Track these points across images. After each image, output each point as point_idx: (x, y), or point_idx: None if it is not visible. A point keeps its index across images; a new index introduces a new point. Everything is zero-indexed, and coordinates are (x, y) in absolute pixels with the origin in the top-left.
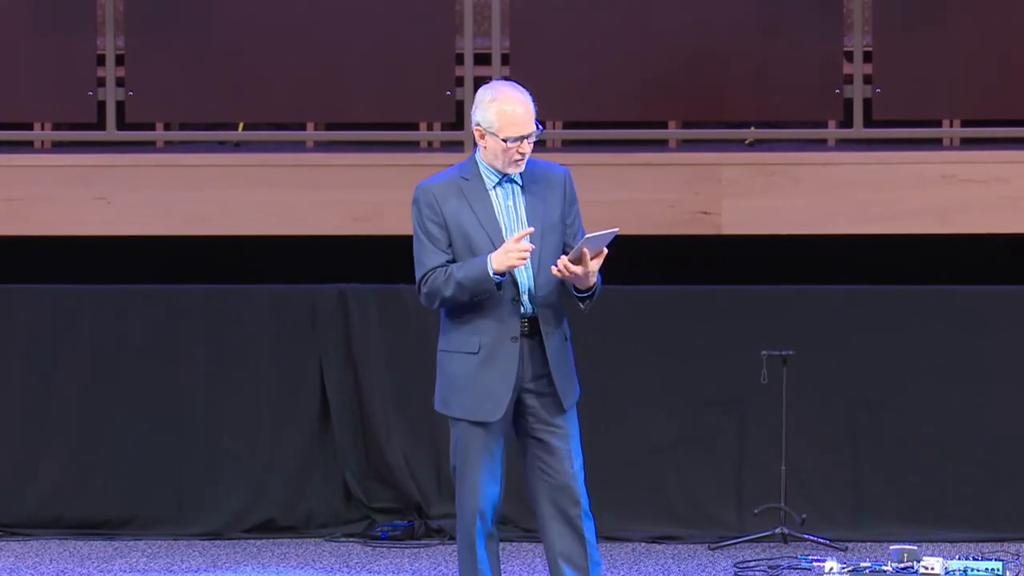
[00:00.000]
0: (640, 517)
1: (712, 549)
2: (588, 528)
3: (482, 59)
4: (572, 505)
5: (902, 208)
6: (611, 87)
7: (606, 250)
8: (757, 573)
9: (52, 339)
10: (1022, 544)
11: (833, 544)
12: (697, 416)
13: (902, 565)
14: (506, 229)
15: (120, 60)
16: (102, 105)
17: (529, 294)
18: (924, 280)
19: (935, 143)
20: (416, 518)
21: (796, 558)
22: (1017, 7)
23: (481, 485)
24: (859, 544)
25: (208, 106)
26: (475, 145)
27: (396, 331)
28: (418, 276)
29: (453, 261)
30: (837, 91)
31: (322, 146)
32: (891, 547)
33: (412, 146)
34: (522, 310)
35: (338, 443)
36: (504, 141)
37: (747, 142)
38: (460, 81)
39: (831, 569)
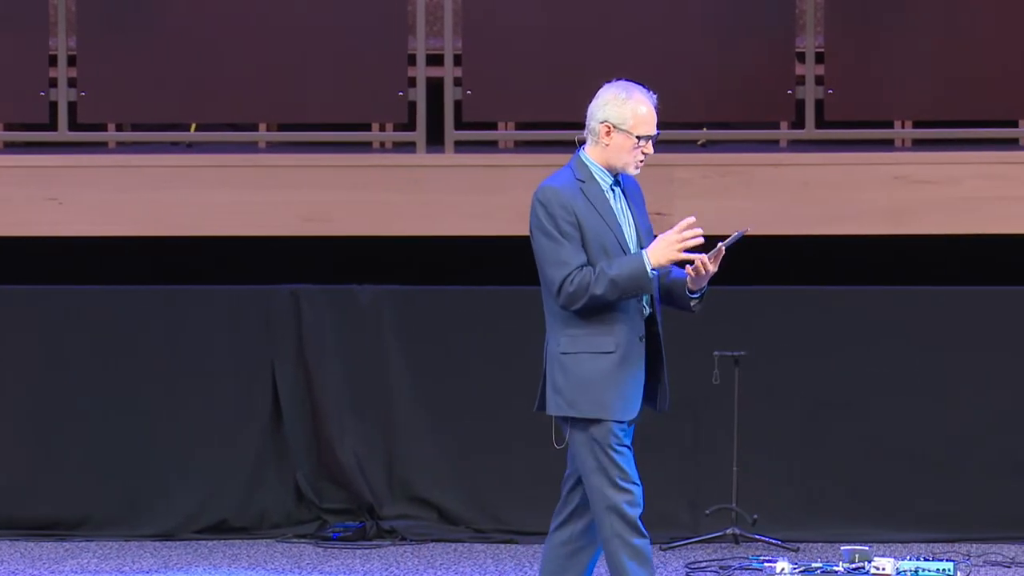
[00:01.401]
0: None
1: (664, 549)
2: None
3: (435, 60)
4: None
5: (855, 209)
6: (564, 88)
7: (724, 251)
8: (708, 573)
9: (3, 340)
10: (973, 544)
11: (784, 545)
12: (649, 415)
13: (853, 565)
14: (624, 232)
15: (72, 60)
16: (54, 105)
17: (647, 296)
18: (877, 281)
19: (887, 144)
20: (368, 519)
21: (747, 558)
22: (968, 9)
23: (629, 483)
24: (810, 544)
25: (160, 107)
26: (578, 146)
27: (348, 332)
28: (558, 276)
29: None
30: (789, 92)
31: (274, 147)
32: (842, 547)
33: (364, 147)
34: (645, 311)
35: (290, 444)
36: (638, 139)
37: (699, 143)
38: (412, 82)
39: (782, 569)
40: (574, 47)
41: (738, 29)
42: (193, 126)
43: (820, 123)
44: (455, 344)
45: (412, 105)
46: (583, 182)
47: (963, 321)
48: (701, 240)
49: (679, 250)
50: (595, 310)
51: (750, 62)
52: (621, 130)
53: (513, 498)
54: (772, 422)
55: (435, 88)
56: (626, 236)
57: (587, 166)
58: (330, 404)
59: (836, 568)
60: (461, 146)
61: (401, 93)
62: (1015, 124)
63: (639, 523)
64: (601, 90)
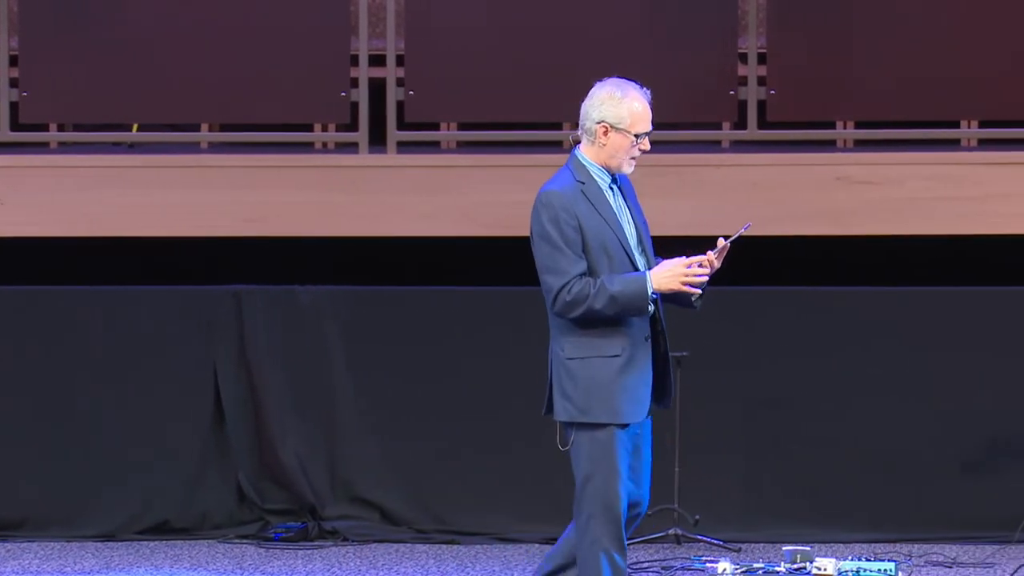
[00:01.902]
0: (535, 518)
1: None
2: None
3: (377, 60)
4: (635, 513)
5: (797, 210)
6: (506, 88)
7: (728, 247)
8: (650, 574)
9: None
10: (915, 544)
11: (726, 545)
12: None
13: (795, 566)
14: (624, 231)
15: (14, 61)
16: None
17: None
18: (819, 282)
19: (829, 145)
20: (310, 520)
21: (689, 559)
22: (909, 9)
23: (625, 492)
24: (752, 545)
25: (102, 107)
26: (573, 146)
27: (290, 332)
28: (557, 284)
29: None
30: (731, 92)
31: (216, 147)
32: (784, 548)
33: (307, 147)
34: (649, 310)
35: (232, 444)
36: (635, 137)
37: None
38: (355, 82)
39: (724, 570)
40: (516, 47)
41: (680, 29)
42: (135, 126)
43: (762, 124)
44: (397, 345)
45: (354, 106)
46: (583, 183)
47: (905, 322)
48: (706, 279)
49: (682, 284)
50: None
51: (692, 62)
52: (619, 129)
53: (455, 499)
54: (714, 423)
55: (377, 89)
56: (627, 235)
57: (585, 167)
58: (272, 405)
59: (778, 568)
60: (403, 147)
61: (343, 94)
62: (956, 125)
63: (624, 537)
64: (594, 89)
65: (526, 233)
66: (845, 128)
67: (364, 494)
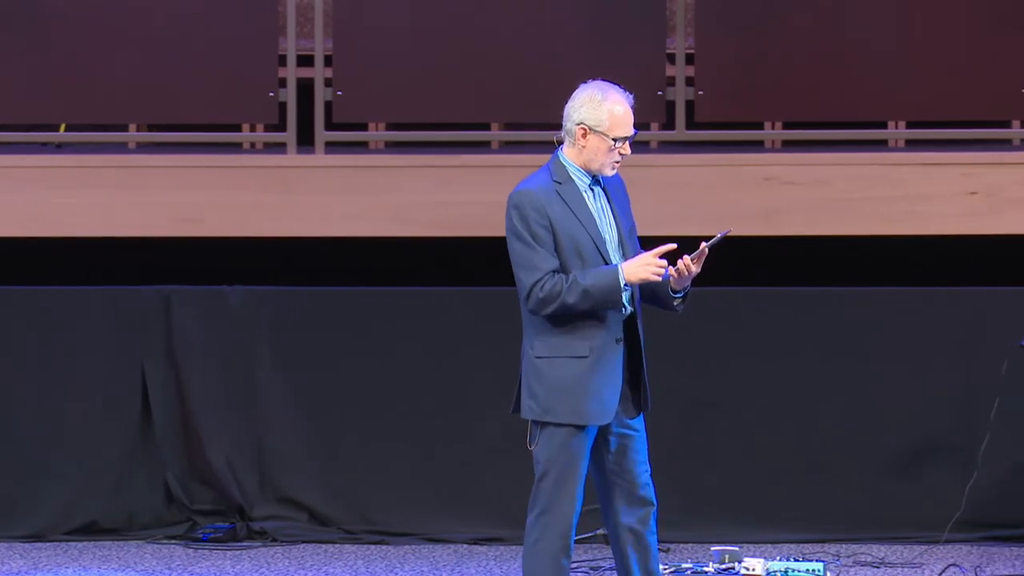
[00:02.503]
0: (463, 518)
1: None
2: (655, 532)
3: (305, 60)
4: (646, 512)
5: (726, 210)
6: (434, 89)
7: (708, 251)
8: (580, 574)
9: None
10: (843, 544)
11: None
12: (513, 417)
13: (724, 566)
14: (602, 232)
15: None
16: None
17: (627, 296)
18: (749, 282)
19: (757, 145)
20: (238, 520)
21: None
22: (837, 10)
23: (579, 494)
24: (682, 545)
25: (29, 107)
26: (557, 146)
27: (218, 333)
28: (529, 280)
29: (560, 264)
30: (659, 93)
31: (145, 147)
32: (712, 548)
33: (235, 148)
34: (626, 311)
35: (160, 445)
36: (613, 141)
37: None
38: (283, 82)
39: None
40: (444, 48)
41: (609, 30)
42: (62, 127)
43: (690, 124)
44: (326, 345)
45: (283, 106)
46: (560, 183)
47: (835, 322)
48: (673, 270)
49: (653, 274)
50: (568, 315)
51: (621, 63)
52: (597, 132)
53: (384, 499)
54: (648, 421)
55: (306, 89)
56: (605, 238)
57: (565, 167)
58: (200, 405)
59: (706, 569)
60: (332, 147)
61: (272, 94)
62: (884, 125)
63: (572, 543)
64: (577, 91)
65: (454, 233)
66: (773, 129)
67: (293, 494)
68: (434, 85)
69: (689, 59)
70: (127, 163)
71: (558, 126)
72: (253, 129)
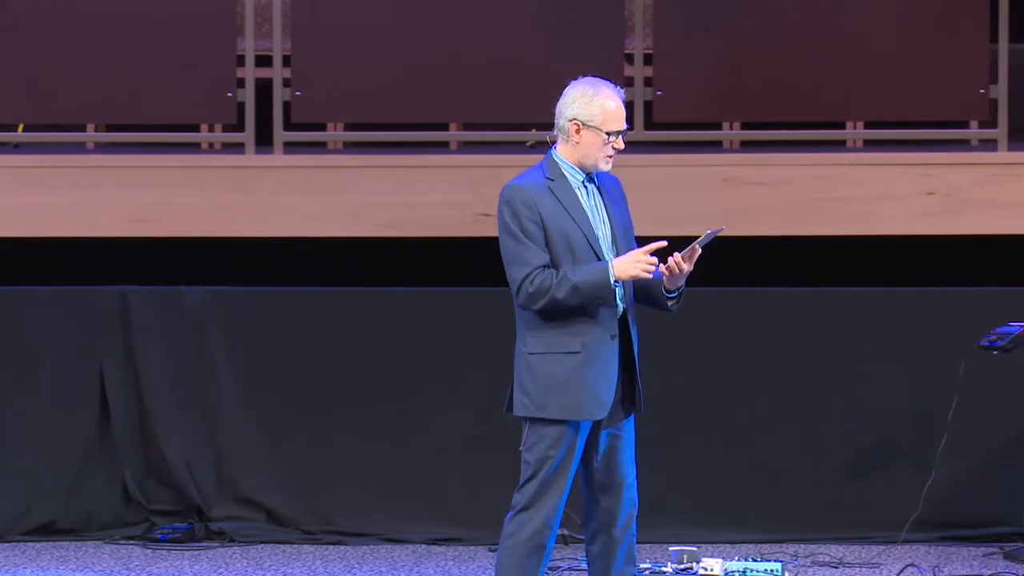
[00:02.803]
0: (422, 519)
1: (493, 551)
2: (635, 535)
3: (263, 60)
4: (628, 515)
5: (684, 210)
6: (393, 89)
7: (700, 250)
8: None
9: None
10: (801, 545)
11: None
12: (480, 418)
13: (682, 566)
14: (595, 229)
15: None
16: None
17: (620, 294)
18: (708, 282)
19: (716, 146)
20: (196, 520)
21: (576, 559)
22: (795, 11)
23: (563, 495)
24: (640, 545)
25: None
26: (551, 145)
27: (176, 333)
28: (519, 275)
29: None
30: None
31: (103, 148)
32: (671, 548)
33: (193, 148)
34: (619, 309)
35: (118, 445)
36: (607, 135)
37: (528, 144)
38: (241, 82)
39: None
40: (403, 48)
41: (567, 30)
42: (20, 127)
43: (649, 125)
44: (284, 345)
45: (241, 106)
46: (552, 180)
47: (793, 322)
48: (664, 267)
49: (643, 271)
50: (561, 310)
51: (579, 63)
52: (590, 127)
53: (342, 499)
54: None
55: (264, 89)
56: (599, 235)
57: (557, 164)
58: (158, 405)
59: (664, 569)
60: (290, 147)
61: (230, 94)
62: (842, 126)
63: (549, 543)
64: (568, 87)
65: (413, 233)
66: (731, 129)
67: (251, 495)
68: (392, 85)
69: (648, 59)
70: (85, 163)
71: (517, 126)
72: (211, 129)
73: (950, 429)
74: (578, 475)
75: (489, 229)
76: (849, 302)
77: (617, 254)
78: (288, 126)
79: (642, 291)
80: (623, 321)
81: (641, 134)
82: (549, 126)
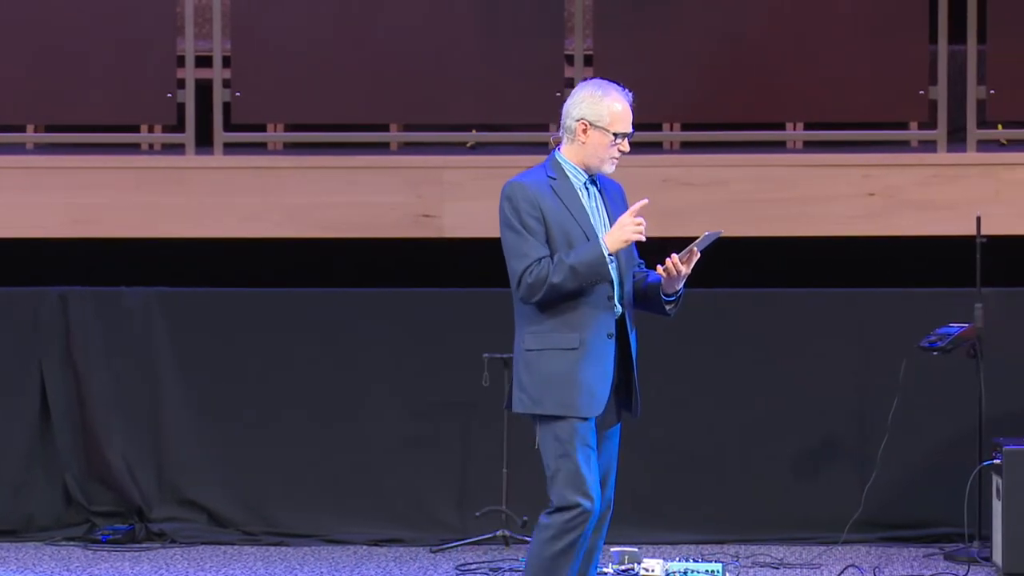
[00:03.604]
0: (362, 519)
1: (434, 552)
2: (604, 538)
3: (203, 61)
4: (601, 517)
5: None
6: (332, 90)
7: (698, 253)
8: (479, 575)
9: None
10: (742, 545)
11: None
12: (420, 419)
13: (623, 567)
14: (595, 228)
15: None
16: None
17: (619, 295)
18: None
19: (655, 147)
20: (137, 521)
21: (518, 560)
22: (734, 12)
23: (589, 483)
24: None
25: None
26: (554, 147)
27: (117, 334)
28: (519, 267)
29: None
30: (558, 94)
31: (43, 148)
32: (612, 549)
33: (134, 149)
34: (615, 309)
35: (59, 446)
36: (614, 136)
37: (469, 145)
38: (181, 83)
39: None
40: (342, 49)
41: (507, 31)
42: None
43: None
44: (224, 346)
45: (181, 107)
46: (554, 179)
47: (733, 323)
48: (662, 270)
49: (634, 231)
50: (560, 306)
51: (519, 64)
52: (598, 128)
53: (283, 500)
54: None
55: (204, 90)
56: (598, 233)
57: (561, 164)
58: (99, 406)
59: (606, 570)
60: (230, 148)
61: (170, 95)
62: (782, 127)
63: (585, 535)
64: (576, 88)
65: (353, 234)
66: (671, 130)
67: (192, 496)
68: (332, 86)
69: (588, 60)
70: (26, 164)
71: (457, 127)
72: (152, 130)
73: (891, 430)
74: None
75: (431, 230)
76: (791, 303)
77: (616, 258)
78: (228, 127)
79: (640, 296)
80: (621, 323)
81: None
82: (489, 127)
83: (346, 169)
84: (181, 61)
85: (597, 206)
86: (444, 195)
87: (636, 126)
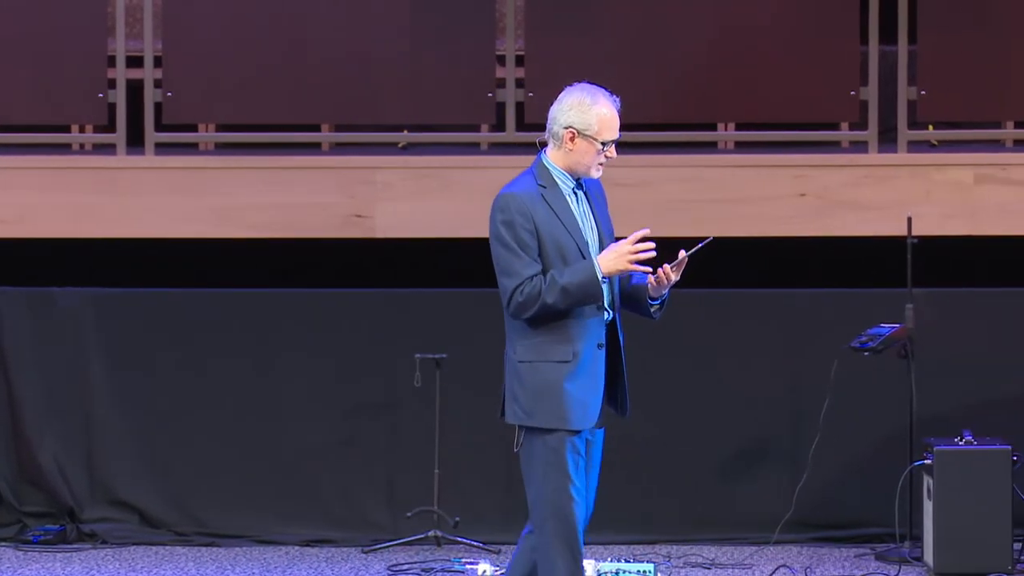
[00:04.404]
0: (294, 520)
1: (366, 552)
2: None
3: (135, 61)
4: (583, 523)
5: None
6: (264, 90)
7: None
8: (410, 575)
9: None
10: (674, 546)
11: (486, 547)
12: (352, 419)
13: None
14: (584, 236)
15: None
16: None
17: (608, 300)
18: None
19: None
20: (68, 522)
21: (450, 561)
22: (664, 13)
23: (580, 497)
24: (512, 547)
25: None
26: (540, 149)
27: (48, 334)
28: (510, 286)
29: (543, 271)
30: (490, 95)
31: None
32: None
33: (64, 148)
34: (606, 316)
35: None
36: (601, 145)
37: (400, 145)
38: (112, 83)
39: (484, 571)
40: (274, 50)
41: (438, 31)
42: None
43: (521, 126)
44: (156, 346)
45: (112, 107)
46: (544, 187)
47: (665, 323)
48: (653, 254)
49: (630, 261)
50: (552, 317)
51: (451, 65)
52: (585, 135)
53: (215, 501)
54: (473, 424)
55: (135, 90)
56: (588, 242)
57: (549, 171)
58: (30, 407)
59: None
60: (161, 148)
61: (101, 95)
62: (713, 127)
63: (580, 538)
64: (564, 93)
65: (283, 235)
66: None
67: (123, 496)
68: (264, 87)
69: (519, 61)
70: None
71: (389, 127)
72: (83, 130)
73: (822, 430)
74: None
75: (362, 230)
76: (721, 303)
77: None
78: (159, 127)
79: (627, 298)
80: (611, 327)
81: (512, 135)
82: (421, 127)
83: (277, 170)
84: (112, 61)
85: (584, 211)
86: (376, 195)
87: None
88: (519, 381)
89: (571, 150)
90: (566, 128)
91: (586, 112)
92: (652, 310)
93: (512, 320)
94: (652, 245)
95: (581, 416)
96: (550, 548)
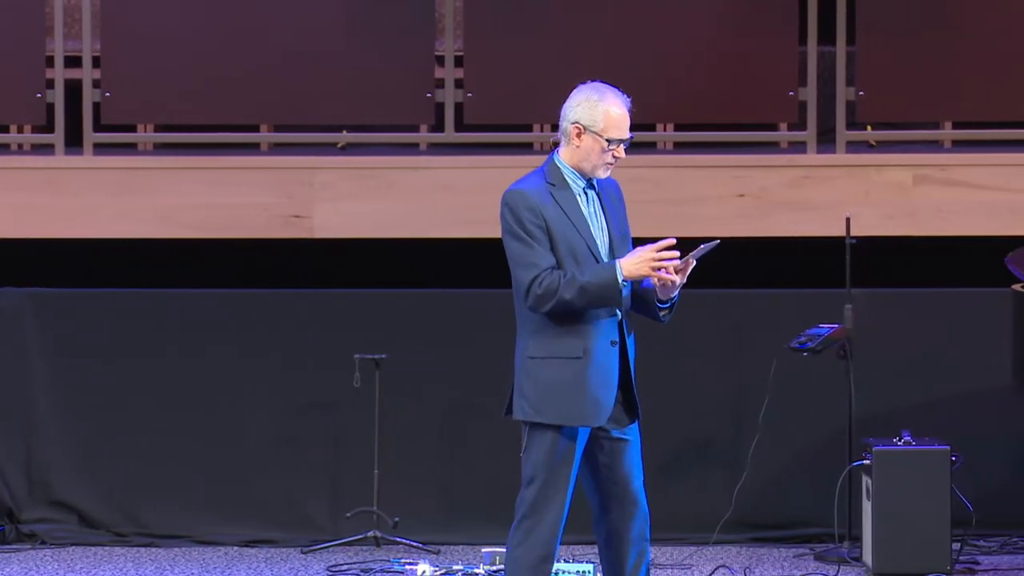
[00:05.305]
0: (233, 520)
1: (305, 553)
2: (648, 540)
3: (73, 61)
4: (641, 520)
5: (494, 213)
6: (203, 90)
7: (694, 262)
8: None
9: None
10: None
11: (426, 547)
12: (291, 419)
13: (494, 568)
14: (594, 236)
15: None
16: None
17: (627, 293)
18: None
19: (527, 148)
20: (7, 522)
21: (389, 561)
22: (602, 13)
23: (566, 501)
24: (451, 547)
25: None
26: (553, 148)
27: None
28: (527, 277)
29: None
30: (429, 95)
31: None
32: (483, 550)
33: (2, 149)
34: (617, 315)
35: None
36: (608, 142)
37: (340, 146)
38: (51, 83)
39: (424, 572)
40: (212, 49)
41: (378, 31)
42: None
43: (460, 126)
44: (95, 346)
45: (50, 107)
46: (553, 185)
47: None
48: (678, 263)
49: (653, 268)
50: (564, 314)
51: (390, 65)
52: (591, 132)
53: (154, 502)
54: (413, 424)
55: (74, 90)
56: (597, 241)
57: (559, 169)
58: None
59: (477, 570)
60: (100, 148)
61: (39, 95)
62: (652, 128)
63: (555, 551)
64: (575, 91)
65: (222, 235)
66: (542, 131)
67: (62, 497)
68: (202, 87)
69: (459, 61)
70: None
71: (328, 128)
72: (20, 130)
73: (762, 430)
74: (585, 482)
75: (301, 231)
76: None
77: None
78: (98, 127)
79: (637, 300)
80: (621, 327)
81: (451, 136)
82: (360, 127)
83: (216, 170)
84: (50, 61)
85: (595, 211)
86: (315, 196)
87: (508, 127)
88: (529, 377)
89: (578, 147)
90: (573, 123)
91: (593, 109)
92: (661, 314)
93: (522, 316)
94: (677, 254)
95: (594, 413)
96: (521, 546)
